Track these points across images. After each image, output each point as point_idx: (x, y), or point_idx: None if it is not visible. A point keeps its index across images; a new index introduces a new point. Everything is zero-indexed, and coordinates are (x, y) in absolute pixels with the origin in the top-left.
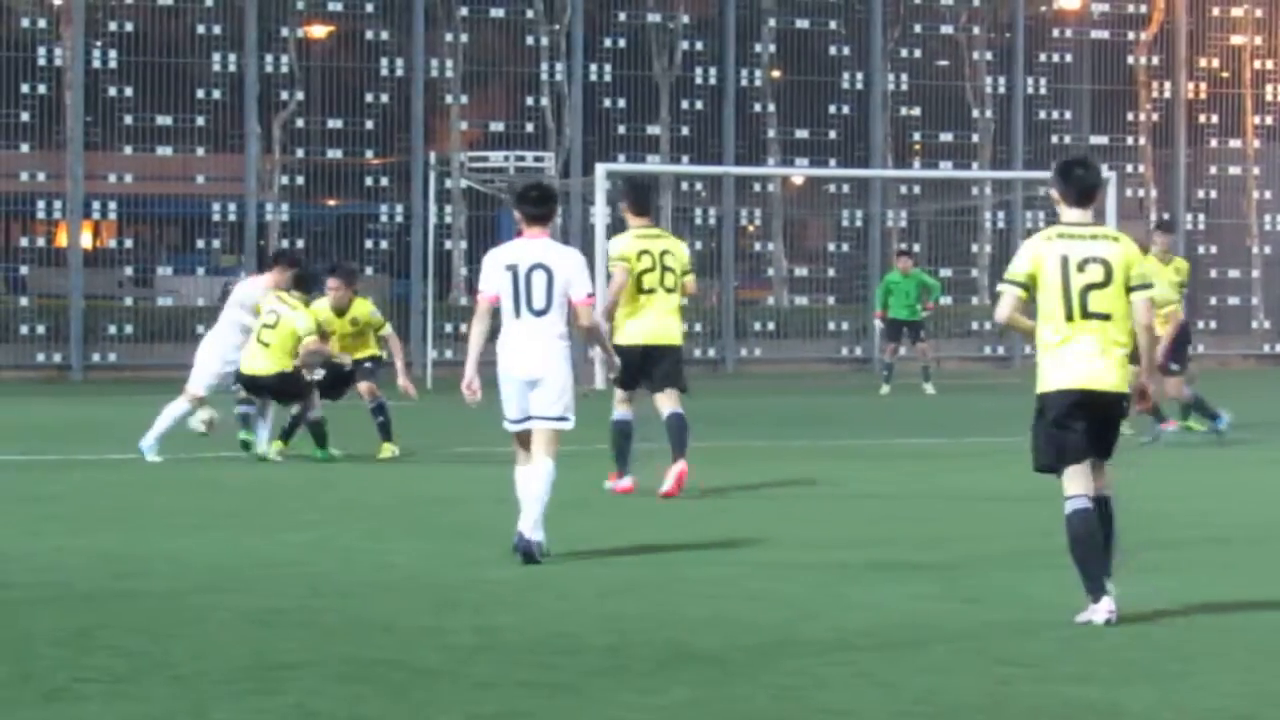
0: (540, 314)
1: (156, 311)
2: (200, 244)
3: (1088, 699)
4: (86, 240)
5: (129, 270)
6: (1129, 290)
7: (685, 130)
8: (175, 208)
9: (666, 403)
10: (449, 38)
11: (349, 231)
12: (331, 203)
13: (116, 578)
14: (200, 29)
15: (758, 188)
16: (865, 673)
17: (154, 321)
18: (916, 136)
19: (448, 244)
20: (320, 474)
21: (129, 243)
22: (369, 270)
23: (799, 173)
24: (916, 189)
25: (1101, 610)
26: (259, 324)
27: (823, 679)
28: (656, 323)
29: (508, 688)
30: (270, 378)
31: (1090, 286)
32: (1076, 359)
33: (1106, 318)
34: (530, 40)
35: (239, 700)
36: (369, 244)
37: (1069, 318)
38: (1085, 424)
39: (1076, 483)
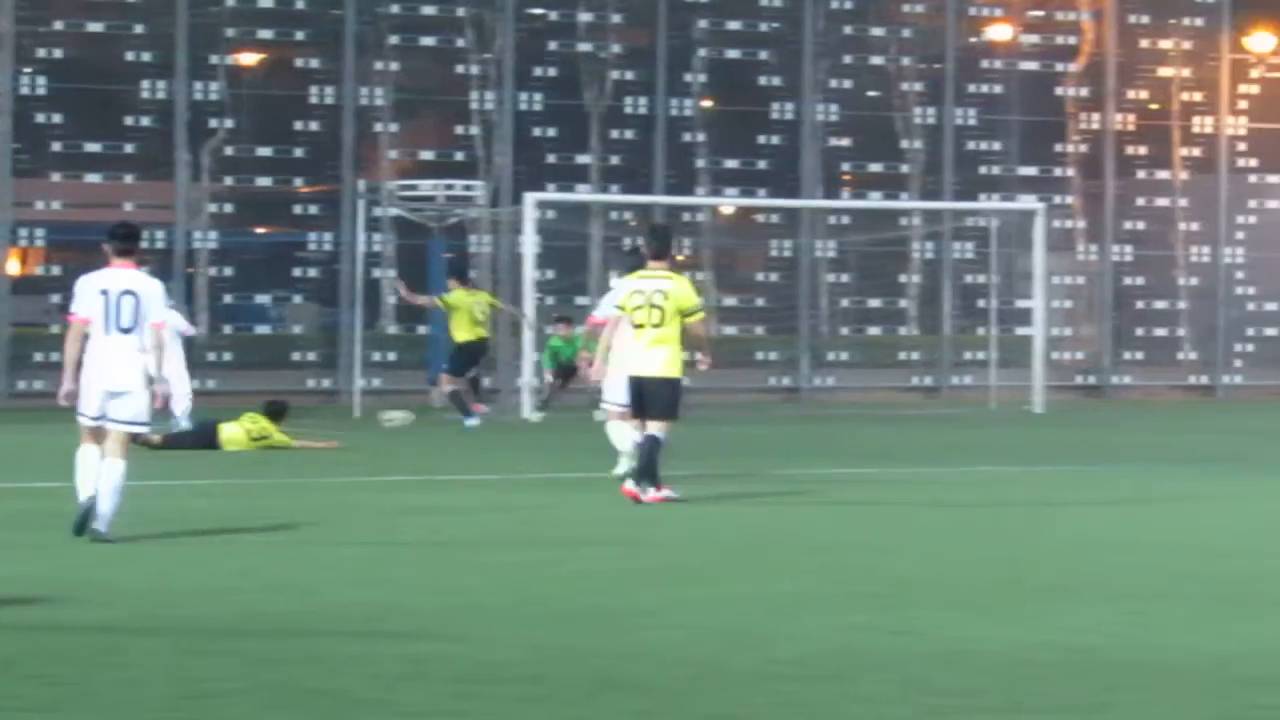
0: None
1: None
2: None
3: None
4: (14, 267)
5: (55, 298)
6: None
7: (615, 159)
8: (103, 235)
9: None
10: (380, 66)
11: (278, 259)
12: (261, 231)
13: (42, 606)
14: (130, 56)
15: (688, 217)
16: (794, 702)
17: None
18: (846, 167)
19: (376, 272)
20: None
21: (57, 270)
22: (297, 298)
23: (729, 202)
24: (846, 219)
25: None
26: None
27: (752, 708)
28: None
29: (436, 717)
30: None
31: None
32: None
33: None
34: (461, 69)
35: None
36: (298, 272)
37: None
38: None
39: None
